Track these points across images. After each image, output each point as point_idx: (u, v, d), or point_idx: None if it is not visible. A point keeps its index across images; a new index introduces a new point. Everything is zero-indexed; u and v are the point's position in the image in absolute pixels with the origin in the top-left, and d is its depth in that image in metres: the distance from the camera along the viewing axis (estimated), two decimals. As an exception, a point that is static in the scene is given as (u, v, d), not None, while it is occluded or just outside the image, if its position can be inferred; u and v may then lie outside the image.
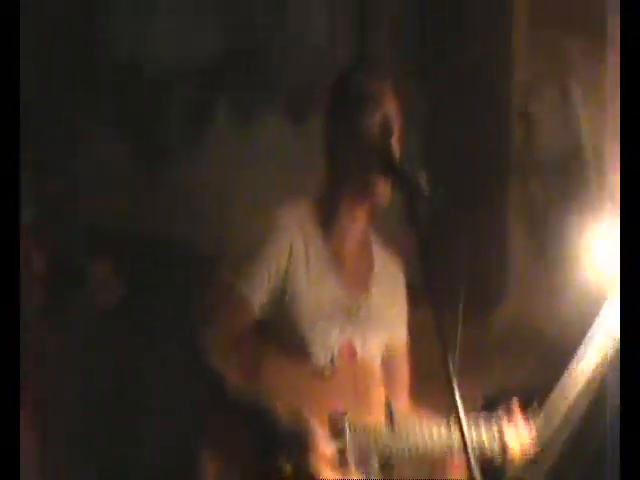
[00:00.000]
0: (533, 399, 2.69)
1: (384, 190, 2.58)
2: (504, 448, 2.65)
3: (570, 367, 2.48)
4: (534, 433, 2.68)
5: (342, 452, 2.53)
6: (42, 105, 3.31)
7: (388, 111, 2.60)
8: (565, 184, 3.41)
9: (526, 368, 3.45)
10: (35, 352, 2.63)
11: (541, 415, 2.68)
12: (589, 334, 2.58)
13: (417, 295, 2.71)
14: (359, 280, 2.69)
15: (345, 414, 2.56)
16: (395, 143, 2.58)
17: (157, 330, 3.19)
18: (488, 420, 2.68)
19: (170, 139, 3.60)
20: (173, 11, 3.60)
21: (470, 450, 2.03)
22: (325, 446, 2.47)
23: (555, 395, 2.61)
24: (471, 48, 3.60)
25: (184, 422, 2.67)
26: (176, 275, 3.35)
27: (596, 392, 2.62)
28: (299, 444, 2.44)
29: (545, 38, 3.54)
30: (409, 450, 2.57)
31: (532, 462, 2.66)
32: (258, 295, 2.55)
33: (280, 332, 2.58)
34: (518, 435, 2.66)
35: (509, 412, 2.69)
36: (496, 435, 2.66)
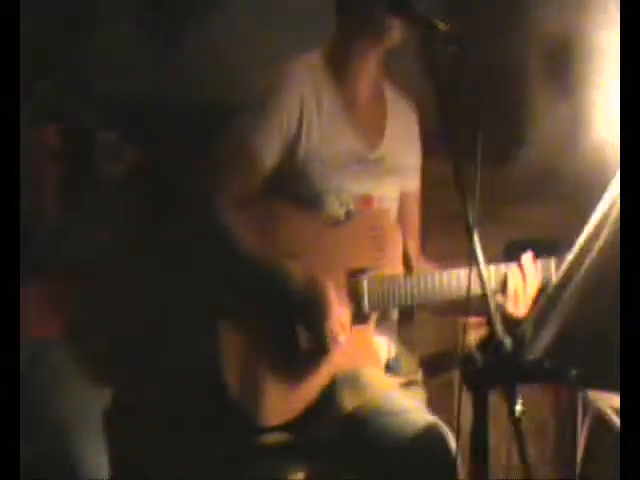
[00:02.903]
0: (549, 249, 2.63)
1: (395, 29, 2.50)
2: (505, 293, 2.59)
3: (589, 222, 2.39)
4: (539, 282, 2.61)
5: (360, 307, 2.51)
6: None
7: None
8: (584, 22, 3.28)
9: (547, 215, 3.39)
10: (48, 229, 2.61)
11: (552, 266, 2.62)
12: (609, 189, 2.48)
13: (433, 141, 2.65)
14: (373, 128, 2.64)
15: (363, 267, 2.53)
16: None
17: (170, 196, 3.16)
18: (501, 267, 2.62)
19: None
20: None
21: (490, 296, 1.98)
22: (342, 306, 2.45)
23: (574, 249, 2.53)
24: None
25: (200, 289, 2.64)
26: (190, 136, 3.30)
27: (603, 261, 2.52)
28: (315, 307, 2.42)
29: None
30: (428, 298, 2.54)
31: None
32: (270, 147, 2.50)
33: (295, 185, 2.54)
34: (523, 281, 2.59)
35: (520, 260, 2.62)
36: (501, 279, 2.60)
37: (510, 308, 2.56)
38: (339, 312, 2.45)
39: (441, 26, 2.23)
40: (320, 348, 2.46)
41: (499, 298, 2.57)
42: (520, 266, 2.59)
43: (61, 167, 2.60)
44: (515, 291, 2.56)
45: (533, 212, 3.36)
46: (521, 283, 2.57)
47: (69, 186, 2.61)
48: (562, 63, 3.36)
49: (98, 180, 2.46)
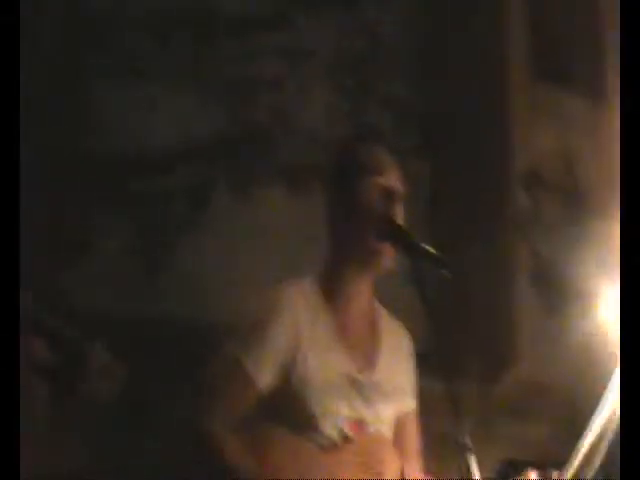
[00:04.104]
0: (551, 465, 2.63)
1: (389, 257, 2.56)
2: None
3: (585, 436, 2.40)
4: None
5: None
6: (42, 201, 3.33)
7: (390, 178, 2.60)
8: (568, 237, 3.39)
9: (541, 432, 3.40)
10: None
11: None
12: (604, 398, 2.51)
13: (425, 360, 2.68)
14: (366, 352, 2.64)
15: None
16: (399, 210, 2.58)
17: (159, 413, 3.16)
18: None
19: (171, 220, 3.61)
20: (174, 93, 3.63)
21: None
22: None
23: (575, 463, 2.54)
24: (471, 113, 3.60)
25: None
26: (179, 357, 3.32)
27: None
28: None
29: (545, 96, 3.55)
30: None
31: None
32: (264, 373, 2.50)
33: (287, 409, 2.52)
34: None
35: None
36: None
37: None
38: None
39: (433, 253, 2.31)
40: None
41: None
42: None
43: (50, 383, 2.60)
44: None
45: (528, 429, 3.37)
46: None
47: (58, 403, 2.61)
48: (550, 280, 3.44)
49: (87, 399, 2.47)
